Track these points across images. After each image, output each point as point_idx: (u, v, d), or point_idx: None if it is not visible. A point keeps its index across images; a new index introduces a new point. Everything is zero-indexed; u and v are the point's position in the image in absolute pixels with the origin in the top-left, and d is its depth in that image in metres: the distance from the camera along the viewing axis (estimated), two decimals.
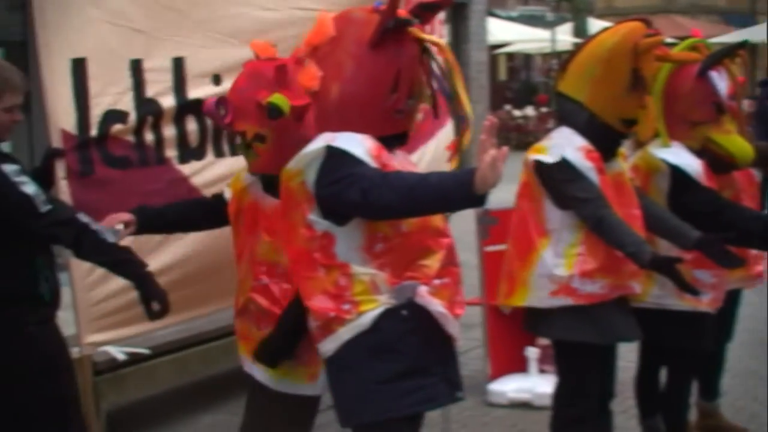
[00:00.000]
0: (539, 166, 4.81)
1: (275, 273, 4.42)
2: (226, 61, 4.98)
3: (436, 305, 3.93)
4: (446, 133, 5.61)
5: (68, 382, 4.54)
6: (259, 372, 4.52)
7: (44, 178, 4.58)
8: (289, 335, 4.40)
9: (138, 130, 4.79)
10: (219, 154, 5.13)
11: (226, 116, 4.43)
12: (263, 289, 4.46)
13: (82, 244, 4.28)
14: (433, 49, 4.03)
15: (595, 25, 26.38)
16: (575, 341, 4.82)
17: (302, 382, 4.49)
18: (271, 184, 4.37)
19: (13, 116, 4.36)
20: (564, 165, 4.74)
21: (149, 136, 4.82)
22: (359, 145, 3.87)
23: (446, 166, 4.28)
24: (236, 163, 4.91)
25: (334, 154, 3.86)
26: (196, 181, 5.00)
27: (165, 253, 4.90)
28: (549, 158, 4.78)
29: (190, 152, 4.98)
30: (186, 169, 4.95)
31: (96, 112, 4.65)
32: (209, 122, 4.95)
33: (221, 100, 4.47)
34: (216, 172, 5.08)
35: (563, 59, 5.27)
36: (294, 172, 3.98)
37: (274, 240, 4.36)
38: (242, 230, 4.53)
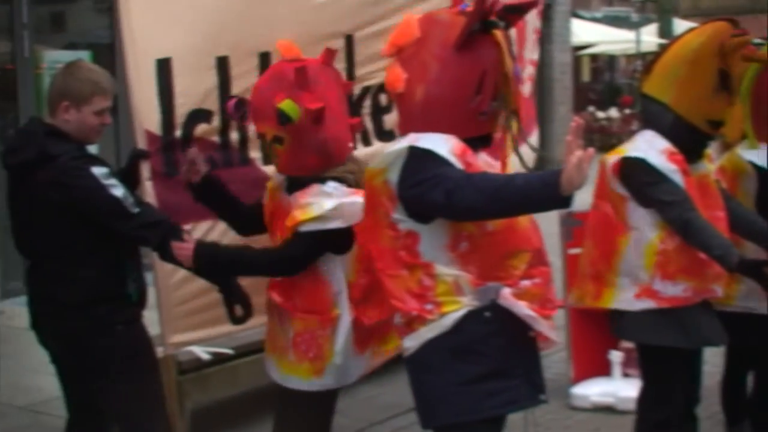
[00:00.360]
0: (623, 164, 4.77)
1: None
2: (308, 55, 4.94)
3: (521, 307, 3.91)
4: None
5: (153, 381, 4.61)
6: (271, 369, 4.58)
7: (129, 179, 4.64)
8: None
9: (223, 130, 4.79)
10: None
11: (247, 117, 4.45)
12: (276, 286, 4.52)
13: (168, 247, 4.32)
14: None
15: (680, 25, 26.00)
16: (661, 345, 4.77)
17: (309, 378, 4.47)
18: (293, 184, 4.40)
19: (102, 119, 4.42)
20: (647, 167, 4.69)
21: (234, 136, 4.82)
22: (443, 144, 3.86)
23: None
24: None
25: (417, 154, 3.86)
26: None
27: None
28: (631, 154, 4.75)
29: None
30: (270, 170, 4.95)
31: (181, 112, 4.67)
32: None
33: (242, 101, 4.48)
34: None
35: (648, 60, 5.22)
36: (377, 170, 3.99)
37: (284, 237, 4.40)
38: (275, 228, 4.55)
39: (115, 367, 4.46)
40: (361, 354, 4.49)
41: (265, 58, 4.82)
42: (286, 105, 4.28)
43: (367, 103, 5.40)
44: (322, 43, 4.72)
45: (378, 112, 5.45)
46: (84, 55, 11.07)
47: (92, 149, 4.49)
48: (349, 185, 4.35)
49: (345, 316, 4.42)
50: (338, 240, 4.31)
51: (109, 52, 11.28)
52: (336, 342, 4.42)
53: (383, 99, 5.40)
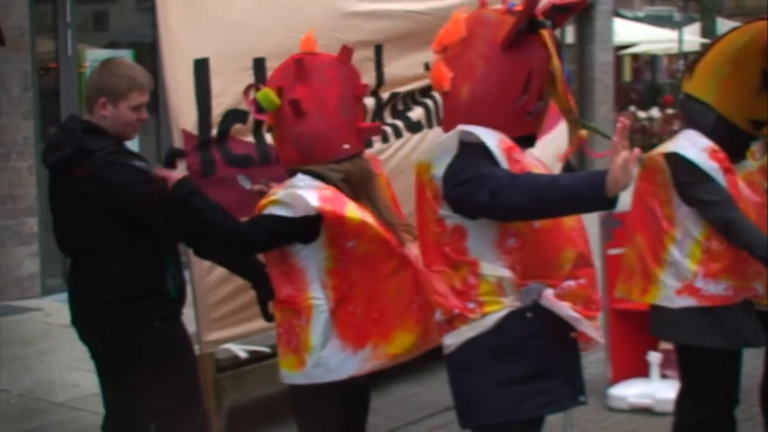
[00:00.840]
0: (667, 160, 4.75)
1: None
2: None
3: (563, 308, 3.90)
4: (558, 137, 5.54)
5: (191, 380, 4.62)
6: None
7: None
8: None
9: (257, 130, 4.80)
10: None
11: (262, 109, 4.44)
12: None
13: (203, 243, 4.33)
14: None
15: (724, 25, 25.83)
16: (700, 346, 4.74)
17: (292, 371, 4.33)
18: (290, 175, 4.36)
19: (139, 114, 4.44)
20: (688, 165, 4.67)
21: (269, 135, 4.83)
22: (491, 137, 3.86)
23: (557, 168, 4.23)
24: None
25: (466, 151, 3.87)
26: None
27: None
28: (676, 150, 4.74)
29: None
30: None
31: (217, 112, 4.68)
32: None
33: (250, 88, 4.47)
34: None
35: (690, 60, 5.20)
36: (425, 165, 4.00)
37: None
38: None
39: (151, 364, 4.48)
40: (353, 350, 4.29)
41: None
42: (261, 94, 4.27)
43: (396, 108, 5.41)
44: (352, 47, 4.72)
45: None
46: (126, 54, 11.19)
47: (134, 147, 4.50)
48: (332, 183, 4.25)
49: (322, 306, 4.25)
50: (302, 229, 4.19)
51: (151, 51, 11.33)
52: (313, 332, 4.25)
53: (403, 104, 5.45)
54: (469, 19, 4.05)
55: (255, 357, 6.39)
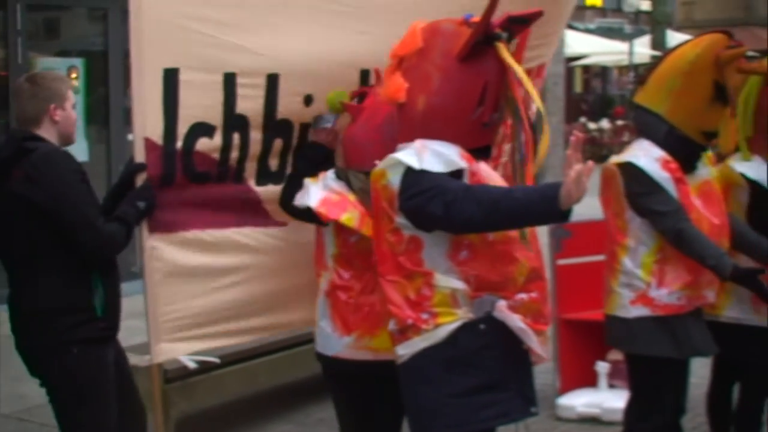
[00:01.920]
0: (620, 171, 4.79)
1: None
2: (319, 81, 4.86)
3: (515, 320, 3.92)
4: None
5: (101, 412, 4.49)
6: None
7: (124, 192, 4.60)
8: None
9: (224, 147, 4.75)
10: None
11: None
12: None
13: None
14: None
15: (674, 37, 26.09)
16: (652, 355, 4.77)
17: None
18: None
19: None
20: (640, 175, 4.70)
21: (233, 154, 4.78)
22: (452, 150, 3.87)
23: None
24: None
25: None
26: (269, 207, 4.92)
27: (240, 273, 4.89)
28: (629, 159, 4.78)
29: (269, 175, 4.93)
30: (261, 190, 4.90)
31: (183, 124, 4.64)
32: (293, 146, 4.92)
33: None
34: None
35: (642, 71, 5.23)
36: (380, 173, 3.99)
37: None
38: None
39: (64, 392, 4.42)
40: (341, 334, 4.44)
41: (272, 80, 4.79)
42: (330, 94, 4.73)
43: None
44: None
45: None
46: (77, 62, 11.08)
47: (83, 155, 4.49)
48: (353, 190, 4.43)
49: (323, 285, 4.52)
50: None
51: (102, 59, 11.29)
52: (318, 304, 4.56)
53: None
54: (426, 30, 4.04)
55: (204, 367, 6.35)
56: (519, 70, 3.92)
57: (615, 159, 4.93)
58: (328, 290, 4.47)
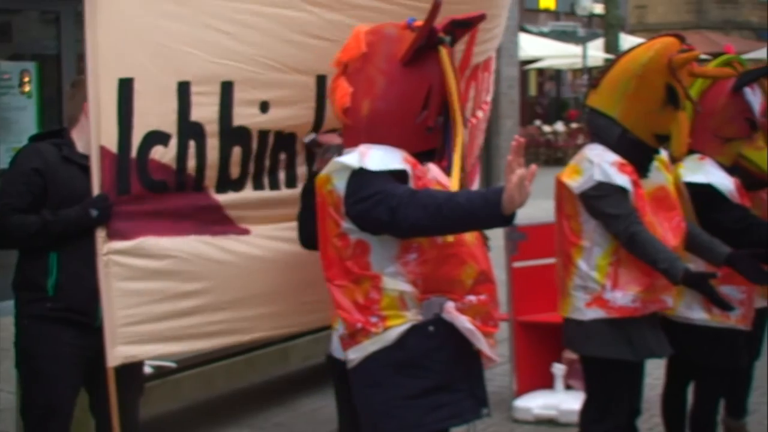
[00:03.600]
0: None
1: None
2: (274, 88, 4.84)
3: (463, 321, 3.92)
4: None
5: (40, 390, 4.69)
6: None
7: None
8: None
9: (180, 155, 4.72)
10: (258, 186, 5.04)
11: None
12: None
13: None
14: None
15: (626, 41, 26.28)
16: (607, 357, 4.79)
17: None
18: None
19: None
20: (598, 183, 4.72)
21: (191, 162, 4.75)
22: (395, 155, 3.88)
23: None
24: (273, 196, 4.95)
25: (364, 170, 3.87)
26: (231, 213, 4.89)
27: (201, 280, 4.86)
28: (582, 184, 4.78)
29: (229, 183, 4.90)
30: (222, 198, 4.86)
31: (138, 132, 4.62)
32: (252, 152, 4.91)
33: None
34: (252, 205, 4.98)
35: (595, 75, 5.26)
36: (325, 178, 3.99)
37: None
38: None
39: (20, 366, 4.76)
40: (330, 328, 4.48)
41: (226, 87, 4.78)
42: None
43: None
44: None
45: None
46: (30, 66, 11.00)
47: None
48: None
49: None
50: None
51: (55, 63, 11.20)
52: None
53: None
54: (369, 34, 4.05)
55: (160, 372, 6.32)
56: (452, 78, 3.94)
57: (569, 169, 4.91)
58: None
